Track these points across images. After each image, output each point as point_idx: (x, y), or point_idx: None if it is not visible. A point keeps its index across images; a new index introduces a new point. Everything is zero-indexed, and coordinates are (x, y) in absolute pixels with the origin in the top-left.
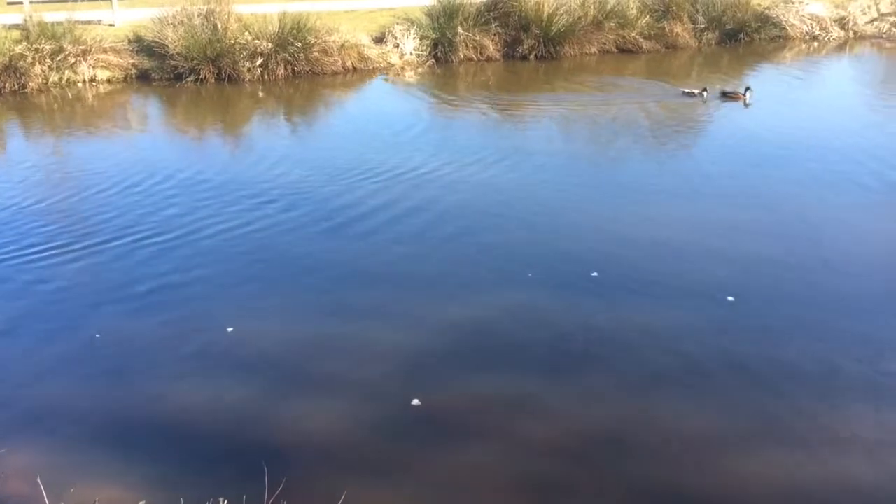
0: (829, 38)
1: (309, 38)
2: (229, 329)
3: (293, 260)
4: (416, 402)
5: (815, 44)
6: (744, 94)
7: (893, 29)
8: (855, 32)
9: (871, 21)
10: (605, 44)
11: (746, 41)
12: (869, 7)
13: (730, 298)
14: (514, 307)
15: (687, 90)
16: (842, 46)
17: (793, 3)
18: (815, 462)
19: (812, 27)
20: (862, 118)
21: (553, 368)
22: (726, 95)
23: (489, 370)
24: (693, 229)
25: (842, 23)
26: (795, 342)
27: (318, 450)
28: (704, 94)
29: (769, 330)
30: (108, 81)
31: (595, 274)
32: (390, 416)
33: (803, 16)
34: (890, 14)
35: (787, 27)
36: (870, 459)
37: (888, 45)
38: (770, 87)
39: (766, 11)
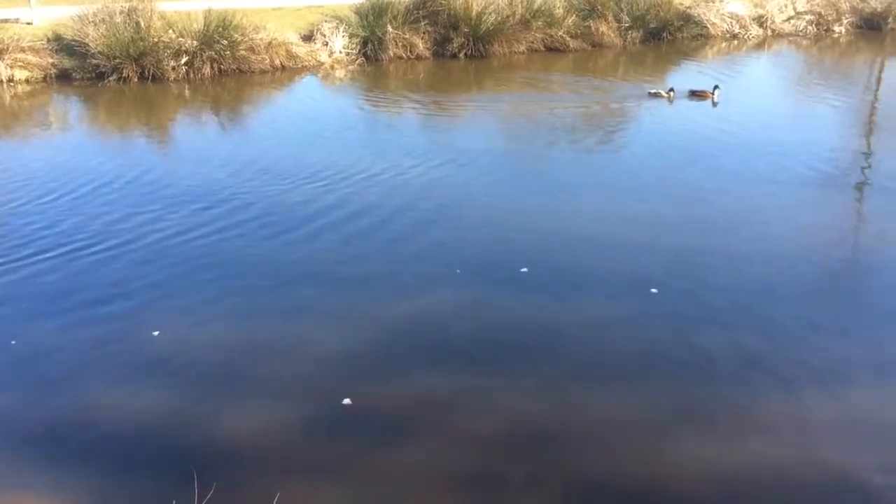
0: (748, 36)
1: (235, 35)
2: (155, 333)
3: (219, 263)
4: (346, 401)
5: (736, 42)
6: (712, 93)
7: (809, 27)
8: (773, 30)
9: (788, 19)
10: (533, 42)
11: (669, 39)
12: (786, 6)
13: (653, 290)
14: (444, 304)
15: (653, 91)
16: (761, 44)
17: (713, 1)
18: (736, 445)
19: (732, 25)
20: (781, 115)
21: (485, 364)
22: (695, 94)
23: (421, 367)
24: (618, 224)
25: (760, 21)
26: (715, 330)
27: (248, 453)
28: (671, 93)
29: (690, 319)
30: (27, 81)
31: (525, 269)
32: (322, 417)
33: (724, 14)
34: (805, 12)
35: (709, 25)
36: (785, 441)
37: (804, 42)
38: (695, 85)
39: (688, 10)
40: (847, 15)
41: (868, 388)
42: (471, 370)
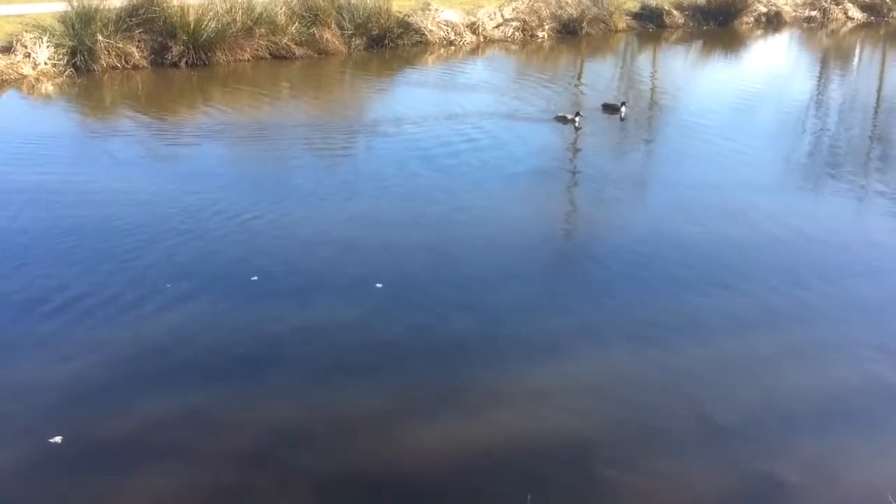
0: (463, 43)
1: None
2: None
3: None
4: (57, 439)
5: (452, 48)
6: (620, 108)
7: (516, 33)
8: (485, 37)
9: (498, 26)
10: (258, 50)
11: (391, 46)
12: (494, 13)
13: (378, 285)
14: (172, 323)
15: (560, 115)
16: (475, 50)
17: (429, 10)
18: (480, 420)
19: (448, 33)
20: (498, 115)
21: (221, 377)
22: (607, 107)
23: (153, 390)
24: (348, 227)
25: (473, 28)
26: (442, 317)
27: None
28: (577, 119)
29: (416, 308)
30: None
31: (255, 278)
32: (34, 459)
33: (439, 22)
34: (512, 19)
35: (427, 33)
36: (525, 412)
37: (513, 47)
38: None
39: (407, 18)
40: (548, 21)
41: (588, 356)
42: (207, 386)
